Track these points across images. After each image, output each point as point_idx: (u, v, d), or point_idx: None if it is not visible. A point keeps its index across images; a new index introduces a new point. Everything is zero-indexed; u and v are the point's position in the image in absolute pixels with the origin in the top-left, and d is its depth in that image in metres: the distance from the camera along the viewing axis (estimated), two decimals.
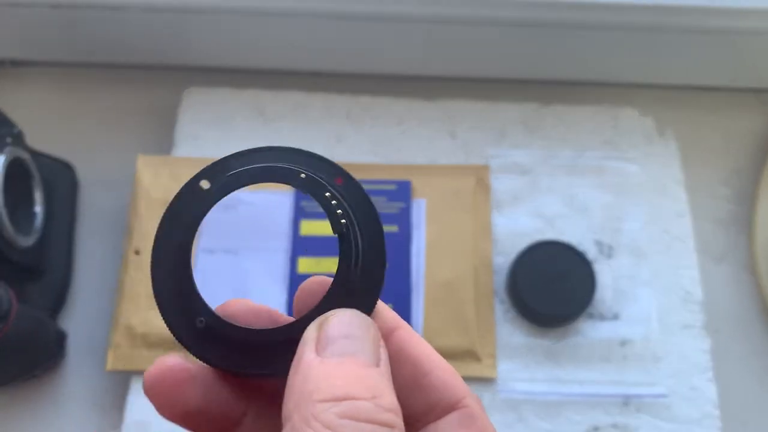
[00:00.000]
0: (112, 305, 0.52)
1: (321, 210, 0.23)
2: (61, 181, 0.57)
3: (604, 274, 0.53)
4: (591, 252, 0.54)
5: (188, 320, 0.22)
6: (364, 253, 0.23)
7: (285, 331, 0.22)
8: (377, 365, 0.20)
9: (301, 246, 0.53)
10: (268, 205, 0.54)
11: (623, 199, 0.56)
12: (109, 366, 0.50)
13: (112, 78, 0.63)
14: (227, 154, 0.23)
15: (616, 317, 0.52)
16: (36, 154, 0.54)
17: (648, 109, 0.60)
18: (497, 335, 0.52)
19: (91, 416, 0.51)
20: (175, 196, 0.23)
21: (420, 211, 0.55)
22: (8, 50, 0.62)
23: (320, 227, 0.54)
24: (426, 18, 0.56)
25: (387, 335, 0.23)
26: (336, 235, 0.22)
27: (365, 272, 0.23)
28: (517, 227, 0.55)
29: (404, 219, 0.54)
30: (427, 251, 0.53)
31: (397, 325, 0.23)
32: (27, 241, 0.50)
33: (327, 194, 0.22)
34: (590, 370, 0.51)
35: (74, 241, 0.56)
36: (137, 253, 0.53)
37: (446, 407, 0.22)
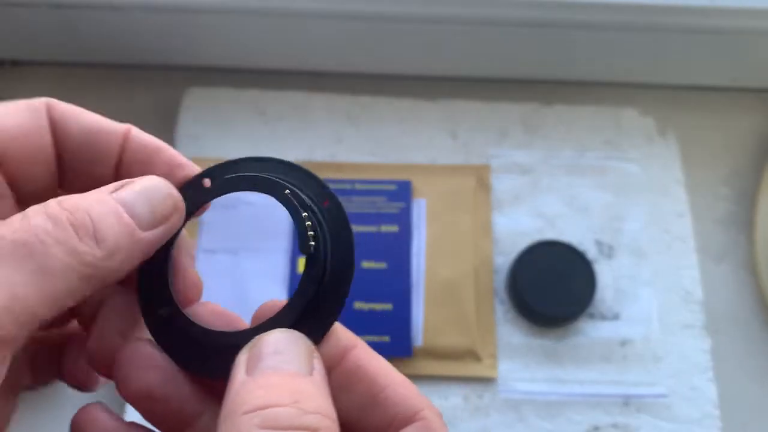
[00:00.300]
0: None
1: None
2: None
3: (605, 274, 0.53)
4: (591, 252, 0.54)
5: (155, 307, 0.24)
6: (330, 277, 0.23)
7: (230, 337, 0.22)
8: (309, 374, 0.20)
9: None
10: (268, 205, 0.54)
11: (624, 199, 0.56)
12: None
13: (113, 78, 0.63)
14: (238, 158, 0.25)
15: (616, 317, 0.52)
16: None
17: (648, 109, 0.60)
18: (497, 335, 0.52)
19: None
20: (181, 187, 0.24)
21: (420, 211, 0.55)
22: (8, 50, 0.62)
23: None
24: (426, 18, 0.56)
25: (344, 354, 0.23)
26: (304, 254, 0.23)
27: (326, 295, 0.23)
28: (517, 227, 0.55)
29: (404, 219, 0.54)
30: (428, 251, 0.53)
31: (354, 344, 0.23)
32: None
33: (304, 214, 0.23)
34: (590, 370, 0.51)
35: None
36: None
37: (404, 420, 0.22)
